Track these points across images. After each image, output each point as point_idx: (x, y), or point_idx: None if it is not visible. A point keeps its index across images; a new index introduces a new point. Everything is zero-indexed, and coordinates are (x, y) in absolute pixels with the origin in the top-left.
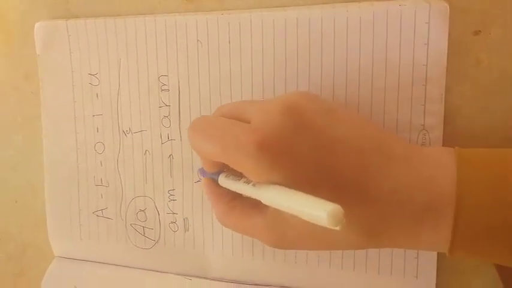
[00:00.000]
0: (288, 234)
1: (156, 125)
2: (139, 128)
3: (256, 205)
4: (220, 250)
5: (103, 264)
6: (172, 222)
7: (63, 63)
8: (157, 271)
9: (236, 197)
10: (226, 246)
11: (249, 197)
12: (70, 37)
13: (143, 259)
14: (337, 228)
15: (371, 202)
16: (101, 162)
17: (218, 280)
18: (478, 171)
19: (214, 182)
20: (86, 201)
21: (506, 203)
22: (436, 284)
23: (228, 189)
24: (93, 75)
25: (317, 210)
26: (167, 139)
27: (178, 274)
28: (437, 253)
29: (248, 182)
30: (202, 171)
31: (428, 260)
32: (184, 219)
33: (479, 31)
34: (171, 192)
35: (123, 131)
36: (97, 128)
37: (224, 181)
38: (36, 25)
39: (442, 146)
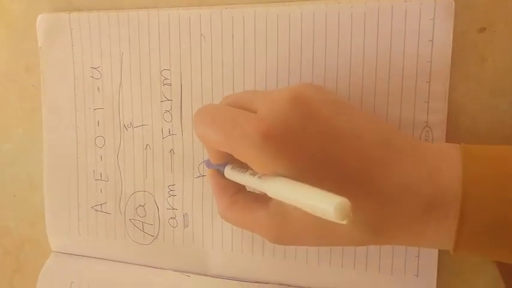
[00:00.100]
0: (290, 229)
1: (158, 119)
2: (140, 122)
3: (258, 199)
4: (219, 247)
5: (100, 259)
6: (171, 218)
7: (65, 56)
8: (155, 267)
9: (239, 190)
10: (225, 242)
11: (252, 191)
12: (72, 30)
13: (142, 255)
14: (344, 222)
15: (377, 196)
16: (101, 156)
17: (217, 277)
18: (484, 167)
19: (220, 173)
20: (85, 195)
21: (511, 201)
22: (437, 283)
23: (233, 182)
24: (94, 68)
25: (324, 204)
26: (168, 134)
27: (177, 270)
28: (438, 252)
29: (254, 174)
30: (208, 163)
31: (429, 258)
32: (183, 215)
33: (484, 28)
34: (171, 187)
35: (124, 125)
36: (98, 122)
37: (230, 173)
38: (39, 18)
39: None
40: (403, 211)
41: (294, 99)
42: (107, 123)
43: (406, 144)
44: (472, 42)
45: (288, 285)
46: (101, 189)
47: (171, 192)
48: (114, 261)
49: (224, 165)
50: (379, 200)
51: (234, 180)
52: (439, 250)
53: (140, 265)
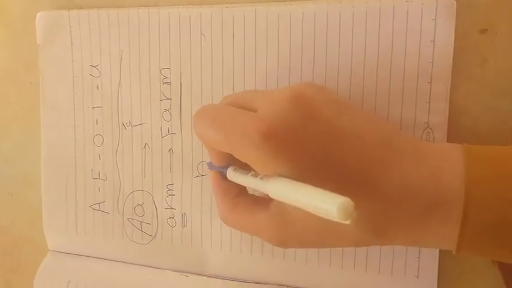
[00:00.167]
0: (291, 230)
1: (157, 118)
2: (139, 121)
3: (259, 201)
4: (218, 247)
5: (98, 259)
6: (170, 218)
7: (64, 54)
8: (153, 267)
9: (240, 193)
10: (224, 243)
11: (253, 194)
12: (72, 28)
13: (140, 254)
14: (347, 222)
15: (378, 196)
16: (99, 155)
17: (215, 277)
18: (486, 168)
19: (222, 175)
20: (82, 194)
21: None
22: (438, 284)
23: (234, 185)
24: (94, 66)
25: (327, 204)
26: (167, 133)
27: (175, 270)
28: (439, 252)
29: (256, 175)
30: (210, 165)
31: (430, 259)
32: (182, 215)
33: (486, 29)
34: (169, 187)
35: (123, 124)
36: (96, 120)
37: (232, 174)
38: (38, 15)
39: None
40: (404, 211)
41: (294, 98)
42: (105, 121)
43: (407, 144)
44: (473, 43)
45: (287, 286)
46: (99, 188)
47: (169, 192)
48: (112, 260)
49: (226, 167)
50: (380, 200)
51: (236, 181)
52: (439, 251)
53: (138, 265)
